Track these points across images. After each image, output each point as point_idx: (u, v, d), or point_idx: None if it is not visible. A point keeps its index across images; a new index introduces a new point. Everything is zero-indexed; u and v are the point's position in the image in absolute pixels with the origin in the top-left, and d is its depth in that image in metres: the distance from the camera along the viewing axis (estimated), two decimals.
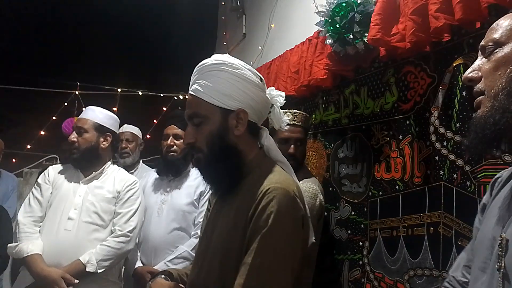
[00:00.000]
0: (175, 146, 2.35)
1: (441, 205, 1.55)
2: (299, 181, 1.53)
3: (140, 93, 5.13)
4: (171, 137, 2.36)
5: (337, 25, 1.96)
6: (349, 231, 2.07)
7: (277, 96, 1.23)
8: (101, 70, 5.83)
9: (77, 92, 4.86)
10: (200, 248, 1.23)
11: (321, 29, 2.13)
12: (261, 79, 1.18)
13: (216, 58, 1.14)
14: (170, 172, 2.37)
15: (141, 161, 3.15)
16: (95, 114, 2.19)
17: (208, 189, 2.06)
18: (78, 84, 4.90)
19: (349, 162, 2.13)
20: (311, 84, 2.32)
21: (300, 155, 2.03)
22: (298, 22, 2.87)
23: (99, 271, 1.98)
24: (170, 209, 2.29)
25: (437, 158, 1.59)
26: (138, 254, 2.28)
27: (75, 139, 2.11)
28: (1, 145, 3.25)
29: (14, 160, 4.80)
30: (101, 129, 2.17)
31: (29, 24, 5.51)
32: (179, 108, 4.98)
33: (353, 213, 2.06)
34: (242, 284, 0.98)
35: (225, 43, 4.30)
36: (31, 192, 2.13)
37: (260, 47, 3.41)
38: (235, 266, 1.02)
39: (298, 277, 1.06)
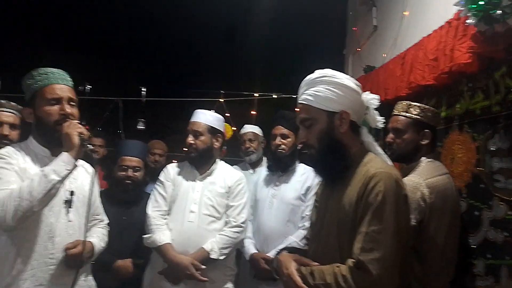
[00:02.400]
0: (283, 145, 2.55)
1: None
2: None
3: (274, 96, 5.41)
4: (278, 137, 2.56)
5: (481, 2, 1.76)
6: (505, 233, 1.82)
7: (372, 99, 1.45)
8: (241, 78, 6.35)
9: (221, 100, 5.40)
10: (314, 231, 1.51)
11: (462, 9, 1.93)
12: (357, 85, 1.42)
13: (319, 72, 1.42)
14: (279, 168, 2.58)
15: (264, 158, 3.38)
16: (207, 117, 2.43)
17: (315, 184, 2.39)
18: (222, 92, 5.44)
19: (503, 154, 1.88)
20: (453, 70, 2.12)
21: (398, 145, 2.00)
22: (434, 5, 2.64)
23: (221, 258, 2.24)
24: (279, 203, 2.49)
25: None
26: (253, 241, 2.52)
27: (192, 142, 2.37)
28: (165, 148, 3.86)
29: (175, 161, 5.61)
30: (213, 131, 2.42)
31: (179, 45, 6.34)
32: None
33: (509, 212, 1.80)
34: (361, 247, 1.22)
35: (356, 38, 4.22)
36: (155, 189, 2.43)
37: (393, 38, 3.25)
38: (349, 236, 1.28)
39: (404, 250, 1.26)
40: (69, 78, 1.75)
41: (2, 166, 1.58)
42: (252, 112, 5.39)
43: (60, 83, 1.68)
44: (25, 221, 1.52)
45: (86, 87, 5.45)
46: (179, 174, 2.44)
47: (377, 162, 1.36)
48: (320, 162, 1.42)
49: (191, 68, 6.85)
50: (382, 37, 3.58)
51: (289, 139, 2.57)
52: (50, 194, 1.51)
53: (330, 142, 1.37)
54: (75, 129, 1.59)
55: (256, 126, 3.49)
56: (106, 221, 2.04)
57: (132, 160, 2.47)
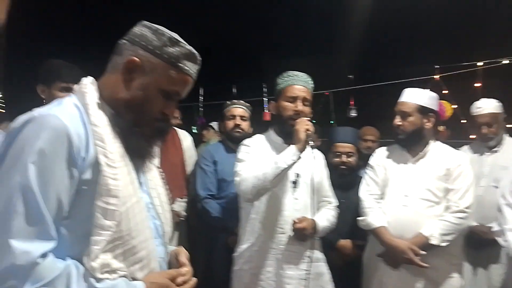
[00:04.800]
0: None
1: None
2: None
3: (505, 62, 4.50)
4: None
5: None
6: None
7: None
8: (458, 47, 5.58)
9: (436, 76, 4.90)
10: None
11: None
12: None
13: None
14: None
15: (504, 136, 2.84)
16: (416, 96, 2.27)
17: None
18: (437, 67, 4.93)
19: None
20: None
21: None
22: None
23: (442, 244, 2.07)
24: None
25: None
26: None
27: (400, 123, 2.27)
28: (377, 134, 3.87)
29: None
30: (423, 111, 2.25)
31: (380, 26, 6.07)
32: None
33: None
34: None
35: None
36: (366, 173, 2.45)
37: None
38: None
39: None
40: (309, 81, 2.11)
41: (246, 151, 2.08)
42: (476, 85, 4.65)
43: (298, 85, 2.05)
44: (260, 196, 1.95)
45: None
46: (390, 157, 2.40)
47: None
48: None
49: (400, 47, 6.46)
50: None
51: None
52: (278, 177, 1.89)
53: None
54: (303, 125, 1.91)
55: (493, 101, 2.84)
56: (335, 203, 2.28)
57: (345, 146, 2.60)
